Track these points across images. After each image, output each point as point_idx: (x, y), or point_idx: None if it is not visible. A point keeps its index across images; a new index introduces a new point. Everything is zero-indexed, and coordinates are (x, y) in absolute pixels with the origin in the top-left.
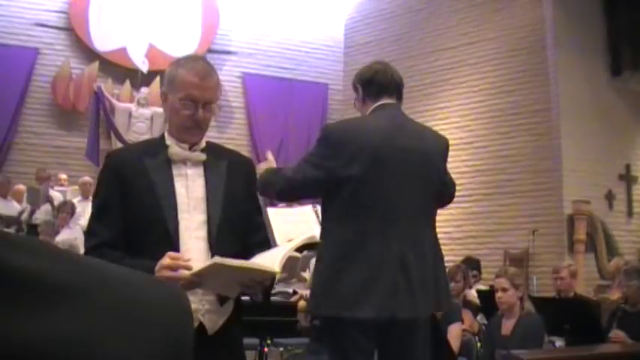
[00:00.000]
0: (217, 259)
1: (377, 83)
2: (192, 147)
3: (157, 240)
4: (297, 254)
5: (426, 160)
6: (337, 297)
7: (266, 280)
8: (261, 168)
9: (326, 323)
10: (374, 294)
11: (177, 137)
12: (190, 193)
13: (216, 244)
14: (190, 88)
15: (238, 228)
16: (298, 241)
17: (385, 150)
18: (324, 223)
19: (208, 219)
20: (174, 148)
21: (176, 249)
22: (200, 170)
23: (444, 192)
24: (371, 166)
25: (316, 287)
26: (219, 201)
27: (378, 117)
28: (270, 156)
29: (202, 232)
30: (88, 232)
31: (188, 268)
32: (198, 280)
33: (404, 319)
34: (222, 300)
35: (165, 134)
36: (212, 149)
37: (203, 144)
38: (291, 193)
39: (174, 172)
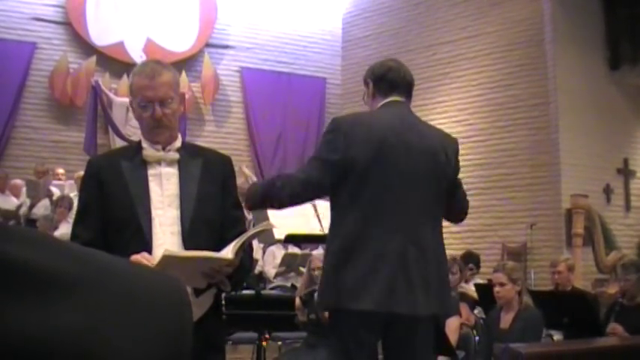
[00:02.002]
0: (166, 252)
1: (389, 80)
2: (166, 147)
3: (132, 237)
4: (297, 250)
5: (432, 159)
6: (338, 289)
7: (224, 267)
8: (240, 186)
9: (330, 315)
10: (373, 288)
11: (149, 139)
12: (165, 191)
13: (189, 239)
14: (143, 90)
15: (213, 223)
16: (254, 230)
17: (391, 145)
18: (332, 215)
19: (181, 214)
20: (149, 150)
21: (149, 245)
22: (174, 169)
23: (455, 195)
24: (375, 160)
25: (322, 280)
26: (193, 197)
27: (387, 112)
28: (245, 170)
29: (176, 228)
30: (71, 236)
31: (150, 264)
32: None
33: (403, 314)
34: (197, 292)
35: (141, 138)
36: (187, 149)
37: (178, 144)
38: (305, 194)
39: (149, 171)
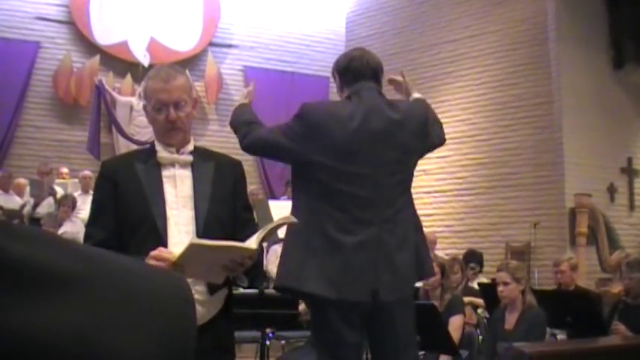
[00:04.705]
0: (193, 240)
1: (353, 70)
2: (179, 150)
3: (147, 236)
4: None
5: (403, 142)
6: (318, 278)
7: (245, 259)
8: (242, 93)
9: (312, 310)
10: (355, 278)
11: (163, 142)
12: (179, 192)
13: (203, 238)
14: (157, 93)
15: (225, 223)
16: (276, 222)
17: (360, 136)
18: (298, 203)
19: (196, 215)
20: (163, 153)
21: (164, 244)
22: (188, 171)
23: (430, 139)
24: (346, 153)
25: (289, 261)
26: (207, 198)
27: (353, 102)
28: (252, 87)
29: (191, 227)
30: (85, 236)
31: (171, 258)
32: (180, 268)
33: (387, 302)
34: (212, 290)
35: (155, 141)
36: (200, 152)
37: (191, 147)
38: (257, 151)
39: (164, 173)
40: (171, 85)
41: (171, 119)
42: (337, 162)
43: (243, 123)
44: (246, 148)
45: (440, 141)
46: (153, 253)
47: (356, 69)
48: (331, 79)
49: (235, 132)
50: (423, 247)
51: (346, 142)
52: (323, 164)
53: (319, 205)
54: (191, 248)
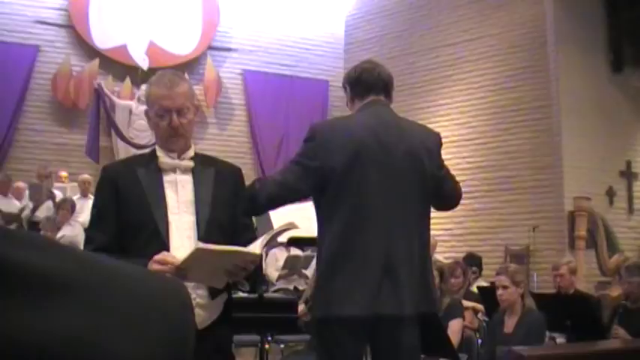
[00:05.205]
0: (199, 245)
1: (363, 82)
2: (180, 156)
3: (149, 240)
4: (299, 252)
5: (413, 156)
6: (326, 297)
7: (248, 264)
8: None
9: (315, 325)
10: (359, 292)
11: (164, 147)
12: (180, 197)
13: (207, 243)
14: (161, 99)
15: (226, 229)
16: (278, 228)
17: (368, 146)
18: (317, 225)
19: (197, 220)
20: (164, 158)
21: (166, 248)
22: (189, 177)
23: (441, 188)
24: (353, 162)
25: (313, 293)
26: (208, 203)
27: (363, 114)
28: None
29: (192, 232)
30: (86, 240)
31: (175, 262)
32: (184, 272)
33: (389, 316)
34: (213, 294)
35: (156, 147)
36: (201, 158)
37: (192, 153)
38: (283, 196)
39: (165, 178)
40: (174, 92)
41: (174, 126)
42: (345, 171)
43: (250, 191)
44: (270, 200)
45: (452, 192)
46: (157, 257)
47: (366, 81)
48: (331, 82)
49: (257, 205)
50: (429, 280)
51: (354, 151)
52: (332, 174)
53: (330, 218)
54: (196, 253)
